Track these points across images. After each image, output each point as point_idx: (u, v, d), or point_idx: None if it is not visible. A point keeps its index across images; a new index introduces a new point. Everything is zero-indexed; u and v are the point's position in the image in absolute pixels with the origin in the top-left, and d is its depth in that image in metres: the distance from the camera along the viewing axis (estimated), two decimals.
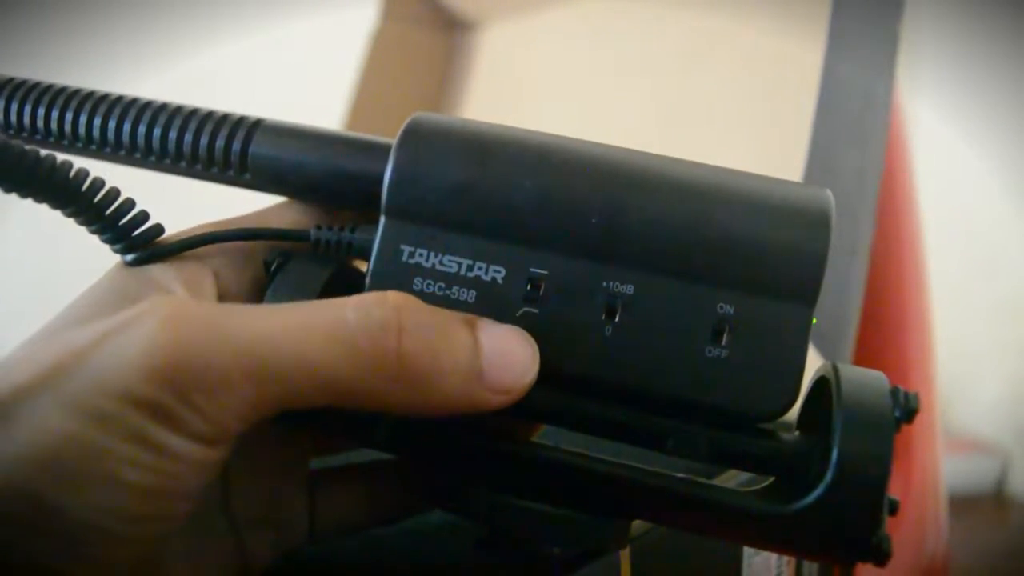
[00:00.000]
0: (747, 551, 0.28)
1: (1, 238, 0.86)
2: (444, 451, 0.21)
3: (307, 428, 0.22)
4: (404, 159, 0.20)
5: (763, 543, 0.21)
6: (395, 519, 0.25)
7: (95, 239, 0.21)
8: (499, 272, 0.20)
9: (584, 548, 0.22)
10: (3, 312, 0.79)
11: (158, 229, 0.22)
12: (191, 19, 0.93)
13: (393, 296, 0.18)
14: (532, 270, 0.20)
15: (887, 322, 0.48)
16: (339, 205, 0.23)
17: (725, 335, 0.20)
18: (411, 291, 0.20)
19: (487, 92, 0.73)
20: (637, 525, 0.23)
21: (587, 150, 0.21)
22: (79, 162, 0.21)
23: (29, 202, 0.20)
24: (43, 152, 0.19)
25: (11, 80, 0.24)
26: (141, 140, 0.23)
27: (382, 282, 0.20)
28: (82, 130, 0.23)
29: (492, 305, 0.20)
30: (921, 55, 1.20)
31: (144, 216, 0.21)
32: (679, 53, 0.59)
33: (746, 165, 0.21)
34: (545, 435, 0.23)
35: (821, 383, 0.21)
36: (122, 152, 0.23)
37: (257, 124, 0.23)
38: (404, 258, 0.20)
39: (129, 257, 0.21)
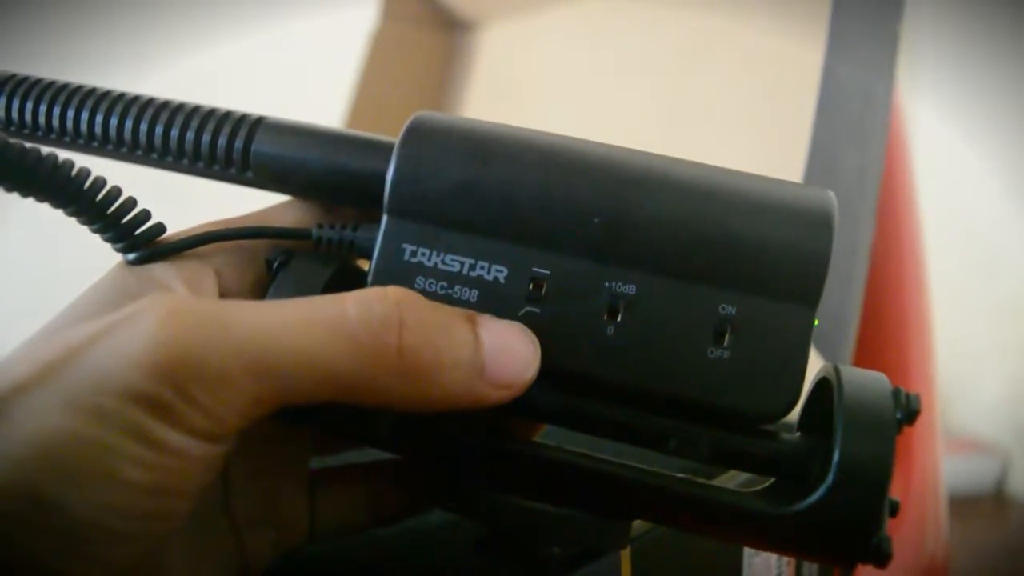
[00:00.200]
0: (747, 551, 0.28)
1: (1, 238, 0.86)
2: (445, 449, 0.21)
3: (308, 424, 0.22)
4: (407, 158, 0.20)
5: (763, 544, 0.21)
6: (395, 519, 0.24)
7: (96, 238, 0.21)
8: (501, 271, 0.20)
9: (584, 548, 0.22)
10: (3, 312, 0.79)
11: (159, 228, 0.22)
12: (192, 19, 0.93)
13: (394, 291, 0.18)
14: (534, 270, 0.20)
15: (887, 322, 0.48)
16: (341, 204, 0.23)
17: (727, 336, 0.19)
18: (413, 290, 0.20)
19: (487, 92, 0.73)
20: (637, 525, 0.23)
21: (590, 150, 0.21)
22: (80, 160, 0.21)
23: (30, 201, 0.20)
24: (44, 151, 0.19)
25: (12, 76, 0.23)
26: (143, 137, 0.23)
27: (384, 281, 0.20)
28: (84, 127, 0.23)
29: (494, 304, 0.20)
30: (921, 55, 1.20)
31: (145, 215, 0.21)
32: (679, 53, 0.59)
33: (746, 165, 0.21)
34: (546, 435, 0.23)
35: (822, 384, 0.21)
36: (124, 149, 0.23)
37: (259, 122, 0.23)
38: (406, 257, 0.20)
39: (131, 256, 0.21)
